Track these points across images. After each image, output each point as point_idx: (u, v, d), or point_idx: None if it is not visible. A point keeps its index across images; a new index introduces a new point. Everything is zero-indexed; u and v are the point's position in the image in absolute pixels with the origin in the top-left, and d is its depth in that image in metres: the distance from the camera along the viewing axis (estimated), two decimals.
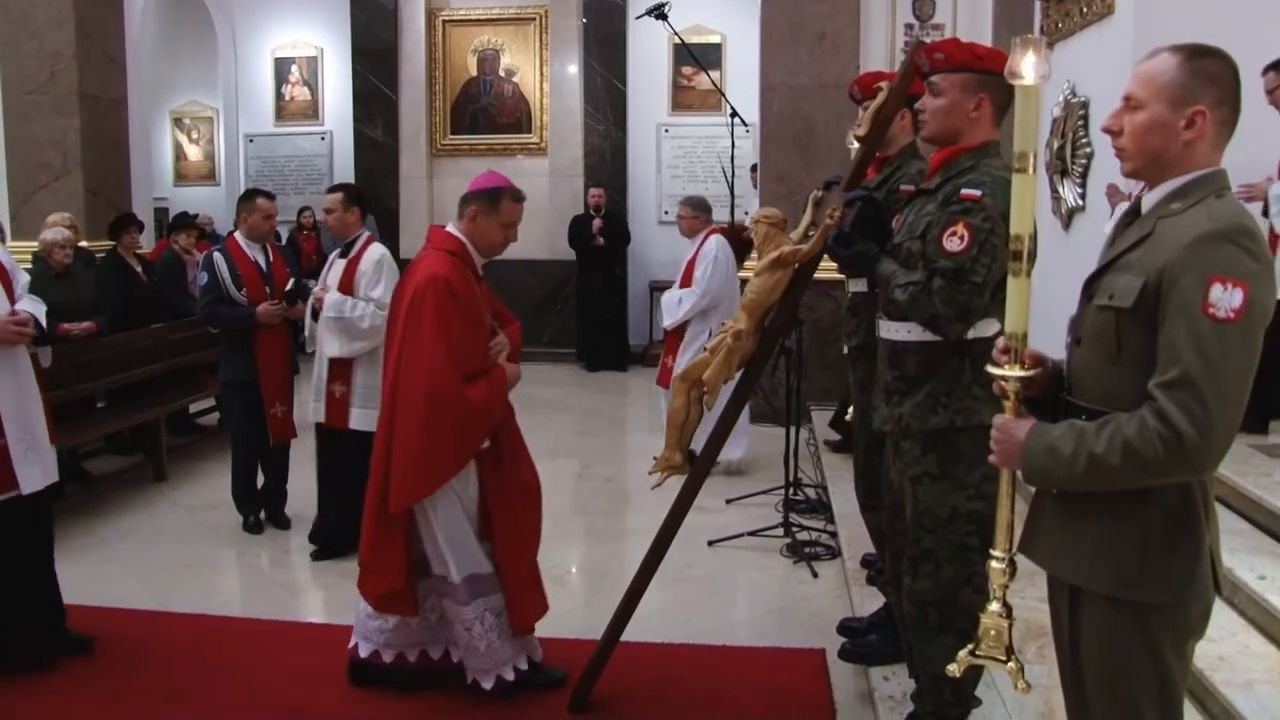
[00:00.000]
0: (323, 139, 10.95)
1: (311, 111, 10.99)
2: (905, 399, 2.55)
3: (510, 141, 10.29)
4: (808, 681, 3.30)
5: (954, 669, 1.81)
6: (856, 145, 2.92)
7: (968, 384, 2.47)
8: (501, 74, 10.28)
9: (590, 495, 5.59)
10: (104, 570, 4.32)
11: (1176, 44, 1.66)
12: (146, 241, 7.70)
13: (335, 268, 4.45)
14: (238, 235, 4.81)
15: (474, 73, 10.32)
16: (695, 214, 5.82)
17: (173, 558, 4.53)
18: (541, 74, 10.14)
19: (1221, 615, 2.89)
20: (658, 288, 8.75)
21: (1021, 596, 2.87)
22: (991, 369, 1.73)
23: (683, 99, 10.10)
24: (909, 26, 7.08)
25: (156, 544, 4.73)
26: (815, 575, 4.27)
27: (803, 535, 4.61)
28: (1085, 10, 4.65)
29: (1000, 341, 1.72)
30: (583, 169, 10.02)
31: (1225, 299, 1.50)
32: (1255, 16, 4.06)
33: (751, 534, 4.66)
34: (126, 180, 8.17)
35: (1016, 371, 1.69)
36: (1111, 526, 1.64)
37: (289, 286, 4.70)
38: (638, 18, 7.09)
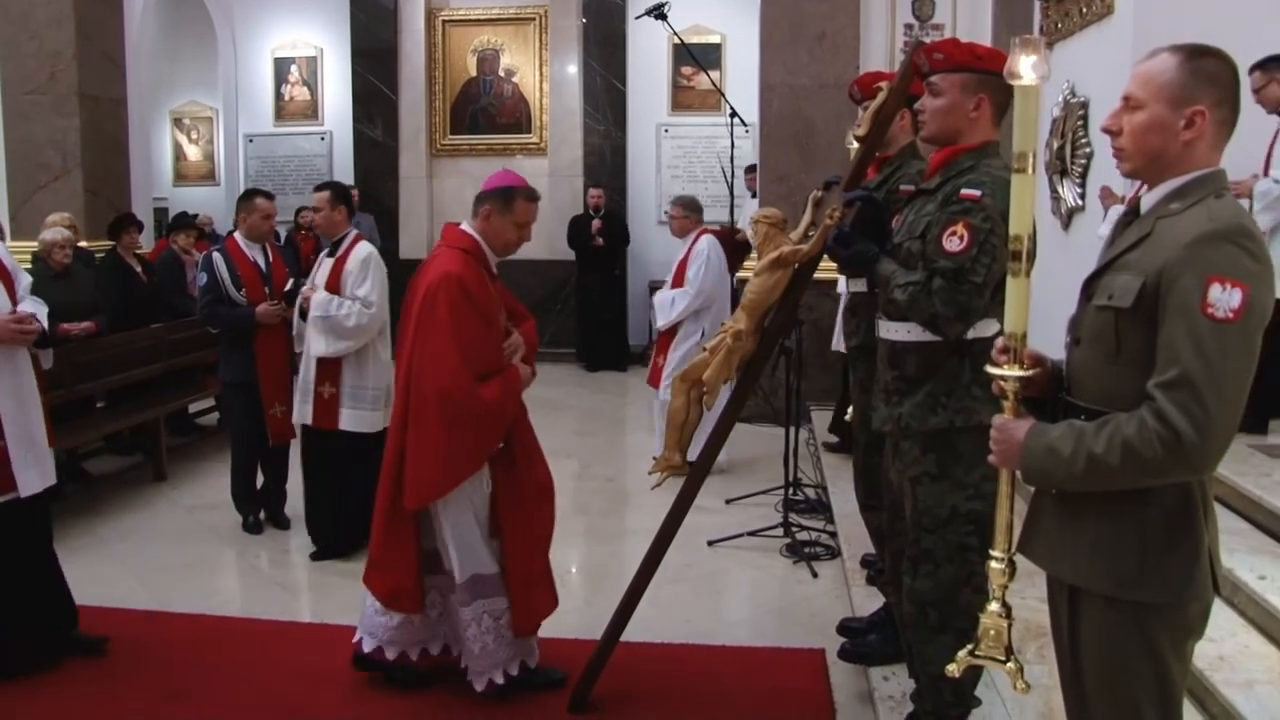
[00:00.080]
0: (322, 139, 10.95)
1: (311, 111, 10.98)
2: (905, 399, 2.55)
3: (510, 141, 10.29)
4: (807, 681, 3.30)
5: (953, 669, 1.81)
6: (856, 145, 2.92)
7: (967, 384, 2.47)
8: (501, 74, 10.28)
9: (590, 495, 5.59)
10: (104, 570, 4.32)
11: (1176, 44, 1.66)
12: (146, 241, 7.70)
13: (323, 267, 4.44)
14: (237, 235, 4.81)
15: (474, 73, 10.32)
16: (686, 214, 5.80)
17: (173, 558, 4.53)
18: (541, 74, 10.14)
19: (1221, 615, 2.89)
20: (657, 288, 8.73)
21: (1021, 596, 2.87)
22: (991, 369, 1.73)
23: (682, 99, 10.09)
24: (909, 26, 7.09)
25: (156, 544, 4.73)
26: (815, 575, 4.27)
27: (802, 535, 4.61)
28: (1085, 10, 4.65)
29: (999, 341, 1.72)
30: (582, 169, 10.02)
31: (1224, 299, 1.50)
32: (1255, 16, 4.07)
33: (751, 534, 4.66)
34: (126, 180, 8.17)
35: (1015, 371, 1.69)
36: (1111, 526, 1.64)
37: (288, 287, 4.70)
38: (637, 18, 7.07)
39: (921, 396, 2.52)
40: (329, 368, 4.32)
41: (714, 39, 9.84)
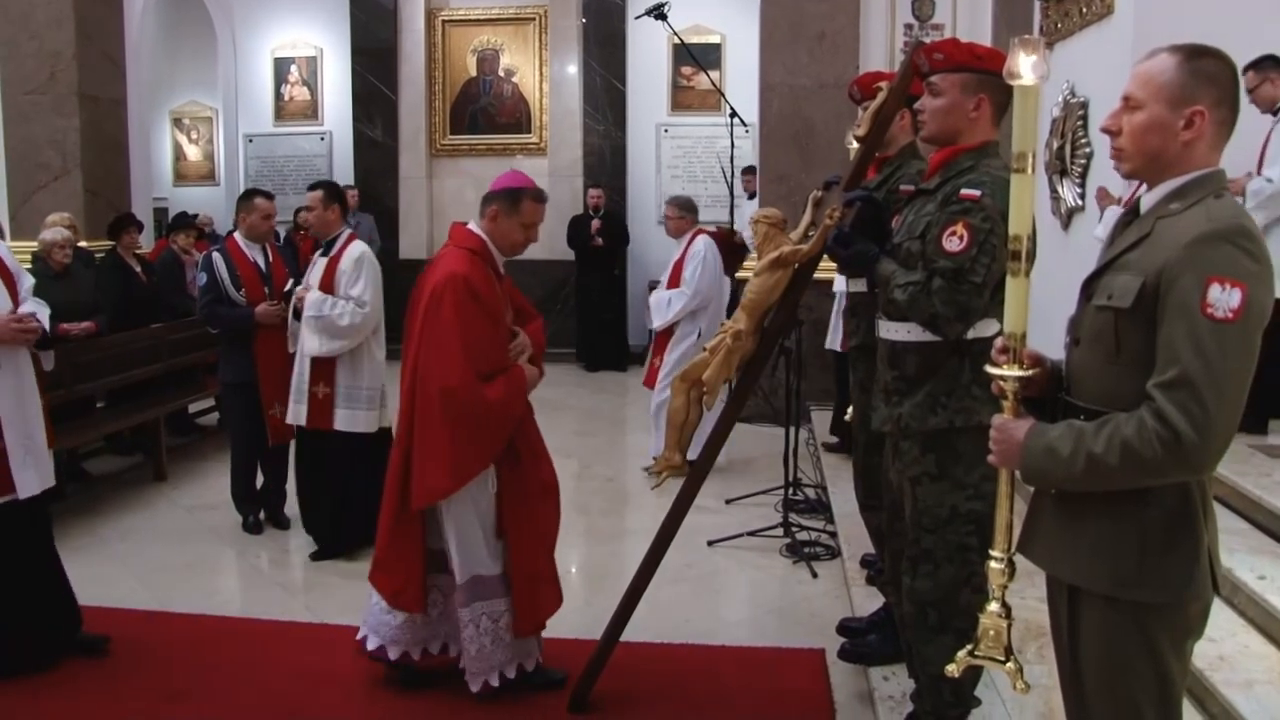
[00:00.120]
0: (322, 139, 10.95)
1: (311, 112, 10.98)
2: (905, 399, 2.55)
3: (510, 141, 10.29)
4: (807, 681, 3.30)
5: (953, 669, 1.81)
6: (856, 145, 2.92)
7: (967, 384, 2.47)
8: (501, 74, 10.28)
9: (590, 495, 5.58)
10: (104, 570, 4.32)
11: (1175, 44, 1.66)
12: (146, 241, 7.70)
13: (317, 266, 4.43)
14: (237, 235, 4.81)
15: (473, 73, 10.32)
16: (682, 214, 5.80)
17: (173, 558, 4.53)
18: (541, 74, 10.14)
19: (1221, 615, 2.90)
20: (656, 287, 8.74)
21: (1021, 596, 2.87)
22: (990, 369, 1.73)
23: (682, 99, 10.09)
24: (909, 26, 7.09)
25: (156, 544, 4.73)
26: (815, 575, 4.27)
27: (802, 535, 4.61)
28: (1084, 10, 4.65)
29: (999, 341, 1.72)
30: (582, 169, 10.02)
31: (1224, 299, 1.50)
32: (1255, 16, 4.07)
33: (751, 534, 4.66)
34: (126, 180, 8.17)
35: (1015, 371, 1.69)
36: (1110, 526, 1.64)
37: (288, 287, 4.70)
38: (637, 18, 7.07)
39: (921, 396, 2.52)
40: (324, 368, 4.31)
41: (714, 39, 9.84)
